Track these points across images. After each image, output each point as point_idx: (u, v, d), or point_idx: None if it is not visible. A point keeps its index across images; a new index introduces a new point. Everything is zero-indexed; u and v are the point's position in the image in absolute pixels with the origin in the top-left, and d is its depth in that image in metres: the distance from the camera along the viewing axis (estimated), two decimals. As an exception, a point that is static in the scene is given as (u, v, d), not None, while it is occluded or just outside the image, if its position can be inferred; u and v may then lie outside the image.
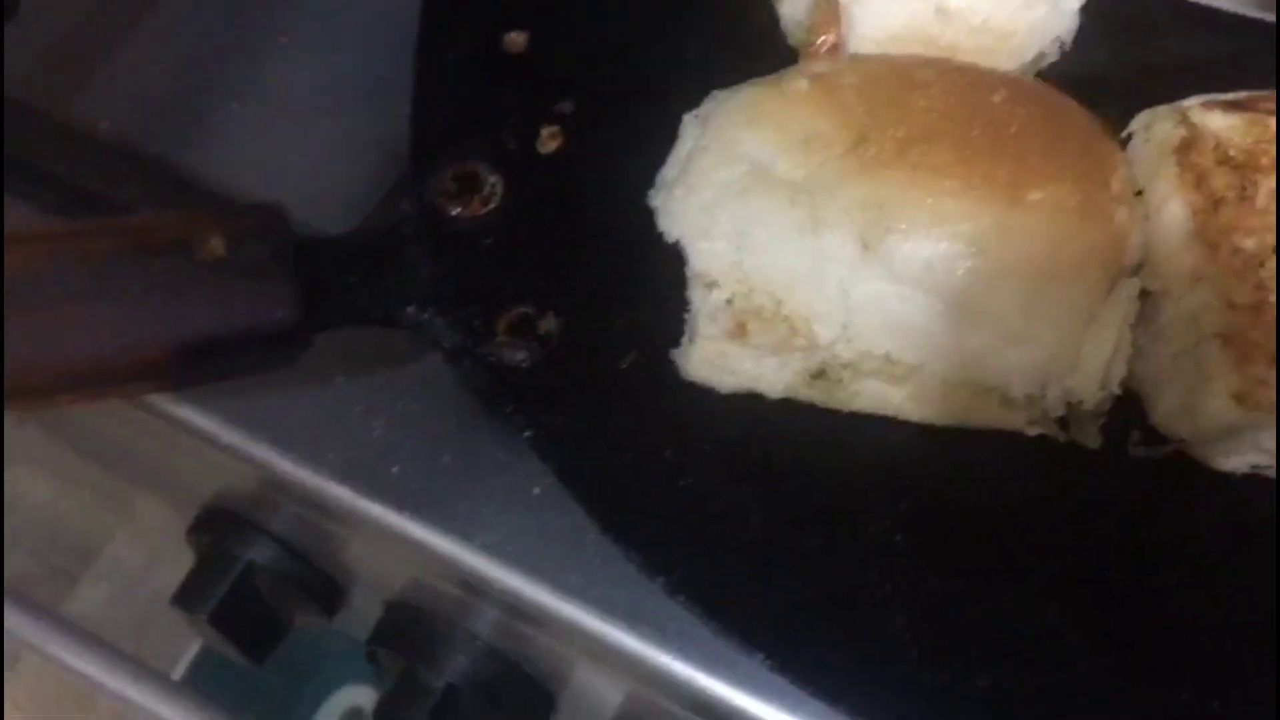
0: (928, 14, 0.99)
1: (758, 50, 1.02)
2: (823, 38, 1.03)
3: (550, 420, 0.85)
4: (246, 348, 0.83)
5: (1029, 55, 1.01)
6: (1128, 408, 0.85)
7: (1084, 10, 1.00)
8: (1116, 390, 0.83)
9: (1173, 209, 0.83)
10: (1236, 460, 0.82)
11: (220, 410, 1.02)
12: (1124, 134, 0.90)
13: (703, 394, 0.87)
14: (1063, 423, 0.85)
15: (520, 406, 0.85)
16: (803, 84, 0.88)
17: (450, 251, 0.91)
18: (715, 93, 0.93)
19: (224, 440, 1.01)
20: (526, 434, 0.85)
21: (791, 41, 1.04)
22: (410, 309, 0.87)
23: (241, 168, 1.11)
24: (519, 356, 0.87)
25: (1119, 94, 0.94)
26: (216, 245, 0.81)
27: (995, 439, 0.86)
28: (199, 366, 0.83)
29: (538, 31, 1.03)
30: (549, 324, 0.89)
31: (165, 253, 0.82)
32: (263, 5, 1.21)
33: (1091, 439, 0.85)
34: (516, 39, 1.03)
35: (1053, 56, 1.02)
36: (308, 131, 1.13)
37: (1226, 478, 0.83)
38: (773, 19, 1.04)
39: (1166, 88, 0.92)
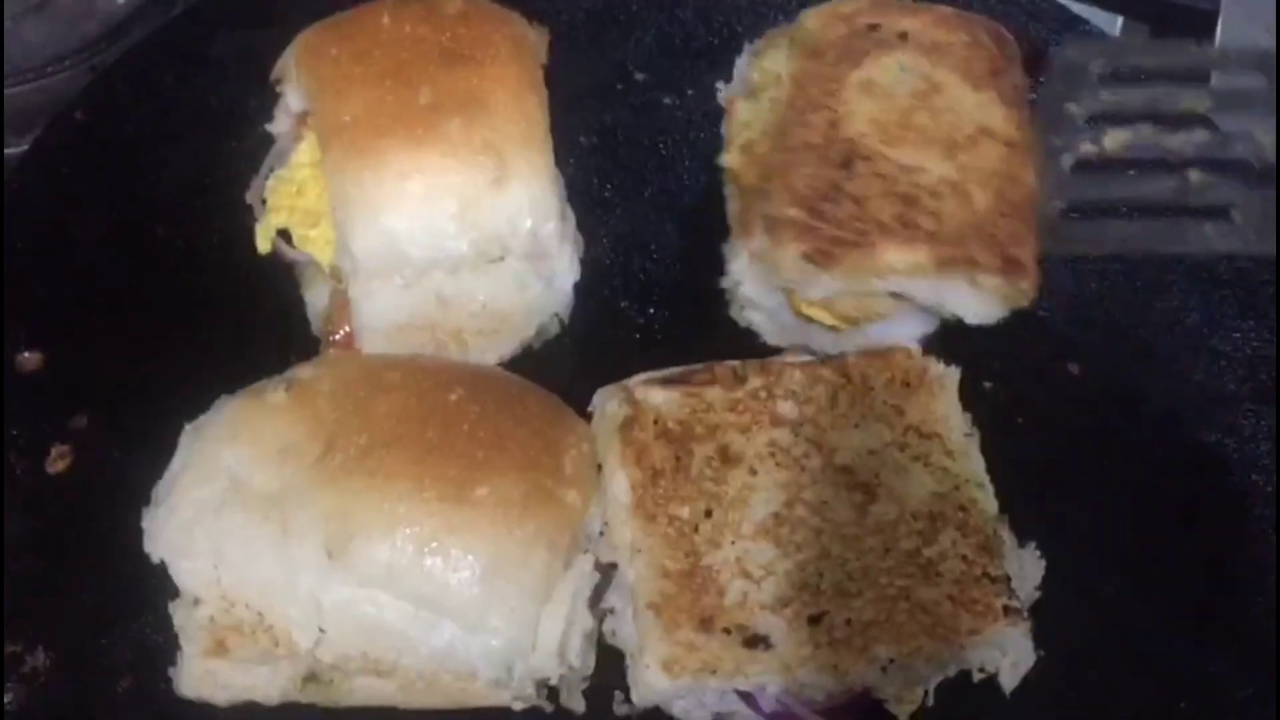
0: (429, 303, 1.06)
1: (286, 343, 1.07)
2: (340, 329, 1.09)
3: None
4: None
5: (530, 331, 1.09)
6: (610, 669, 0.91)
7: (577, 288, 1.10)
8: (575, 662, 0.88)
9: (618, 483, 0.90)
10: (697, 715, 0.88)
11: None
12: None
13: (205, 709, 0.88)
14: (553, 691, 0.90)
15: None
16: (280, 395, 0.92)
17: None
18: (219, 399, 0.96)
19: None
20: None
21: (315, 332, 1.09)
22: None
23: None
24: (5, 700, 0.87)
25: (612, 365, 1.01)
26: None
27: (494, 715, 0.90)
28: None
29: (51, 350, 1.05)
30: (38, 659, 0.89)
31: None
32: None
33: (577, 704, 0.90)
34: (29, 359, 1.05)
35: (553, 330, 1.11)
36: None
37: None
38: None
39: (638, 363, 1.00)
